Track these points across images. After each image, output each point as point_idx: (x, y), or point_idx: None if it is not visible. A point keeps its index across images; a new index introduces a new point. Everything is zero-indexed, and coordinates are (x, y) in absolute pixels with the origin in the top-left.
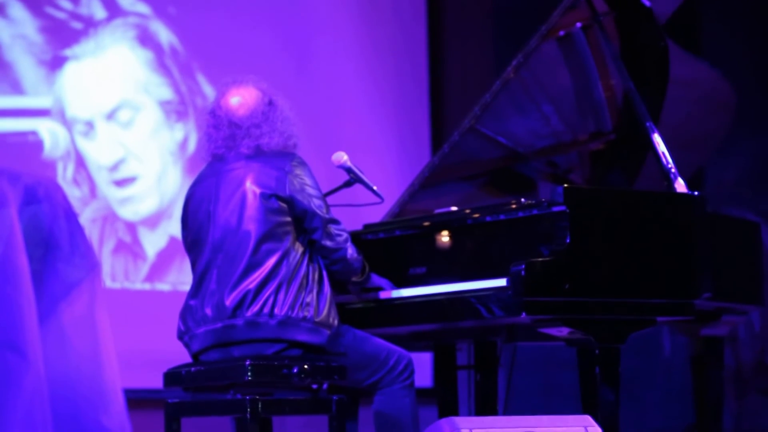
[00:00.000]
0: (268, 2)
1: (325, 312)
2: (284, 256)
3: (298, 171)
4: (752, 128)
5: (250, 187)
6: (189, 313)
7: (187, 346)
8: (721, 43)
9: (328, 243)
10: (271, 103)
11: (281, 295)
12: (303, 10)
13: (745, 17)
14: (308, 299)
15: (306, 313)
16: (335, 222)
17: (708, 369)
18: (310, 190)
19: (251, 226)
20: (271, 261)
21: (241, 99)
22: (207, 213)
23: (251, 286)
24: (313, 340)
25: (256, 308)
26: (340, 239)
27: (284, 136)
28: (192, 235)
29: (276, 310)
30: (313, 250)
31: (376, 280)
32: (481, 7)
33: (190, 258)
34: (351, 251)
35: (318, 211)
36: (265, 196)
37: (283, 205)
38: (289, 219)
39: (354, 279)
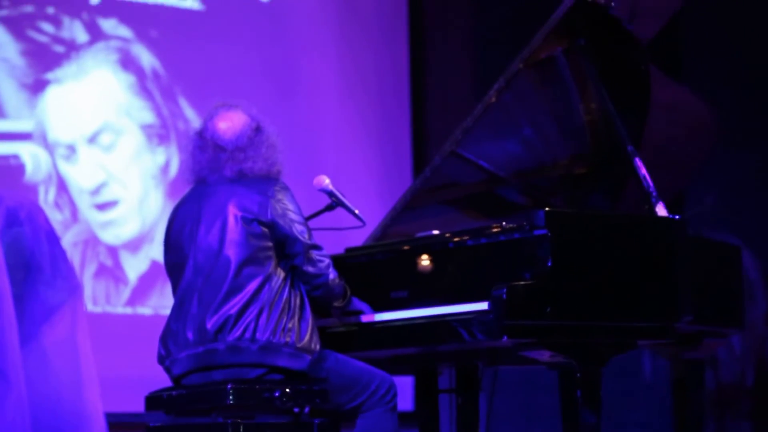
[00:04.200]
0: (250, 26)
1: (306, 337)
2: (266, 280)
3: (281, 196)
4: (732, 152)
5: (232, 211)
6: (170, 337)
7: (168, 370)
8: (701, 67)
9: (310, 269)
10: (258, 128)
11: (263, 320)
12: (285, 34)
13: (725, 41)
14: (290, 324)
15: (288, 339)
16: (317, 248)
17: (689, 392)
18: (293, 216)
19: (232, 250)
20: (253, 285)
21: (229, 123)
22: (189, 236)
23: (232, 311)
24: (294, 366)
25: (237, 333)
26: (321, 265)
27: (268, 162)
28: (174, 257)
29: (258, 335)
30: (295, 275)
31: (357, 304)
32: (463, 32)
33: (171, 281)
34: (333, 277)
35: (300, 237)
36: (246, 221)
37: (265, 229)
38: (270, 244)
39: (336, 304)
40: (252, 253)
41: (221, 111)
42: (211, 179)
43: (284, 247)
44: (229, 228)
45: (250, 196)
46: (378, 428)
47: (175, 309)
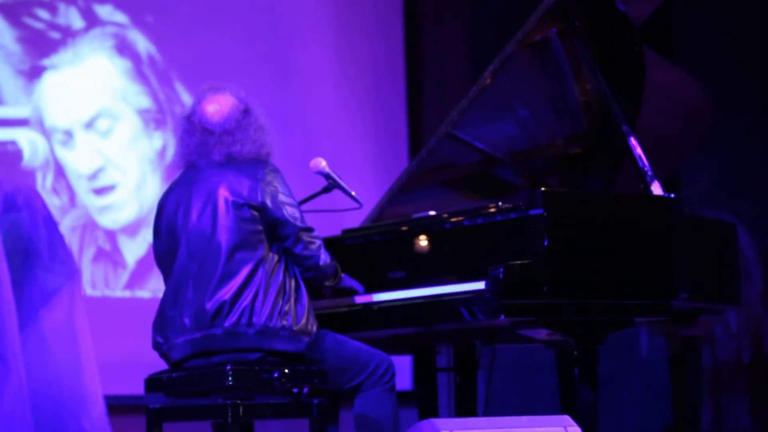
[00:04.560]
0: (246, 10)
1: (303, 320)
2: (259, 264)
3: (271, 178)
4: (727, 131)
5: (223, 196)
6: (167, 324)
7: (165, 355)
8: (696, 48)
9: (301, 251)
10: (246, 111)
11: (258, 304)
12: (280, 17)
13: (719, 22)
14: (286, 307)
15: (284, 322)
16: (308, 230)
17: (686, 369)
18: (283, 198)
19: (224, 235)
20: (246, 270)
21: (216, 106)
22: (181, 222)
23: (227, 296)
24: (291, 348)
25: (234, 318)
26: (313, 247)
27: (257, 144)
28: (165, 244)
29: (254, 319)
30: (288, 257)
31: (348, 281)
32: (458, 14)
33: (162, 268)
34: (324, 258)
35: (290, 219)
36: (237, 205)
37: (256, 213)
38: (261, 227)
39: (327, 283)
40: (243, 238)
41: (209, 94)
42: (200, 163)
43: (276, 230)
44: (220, 213)
45: (240, 179)
46: (377, 408)
47: (170, 295)
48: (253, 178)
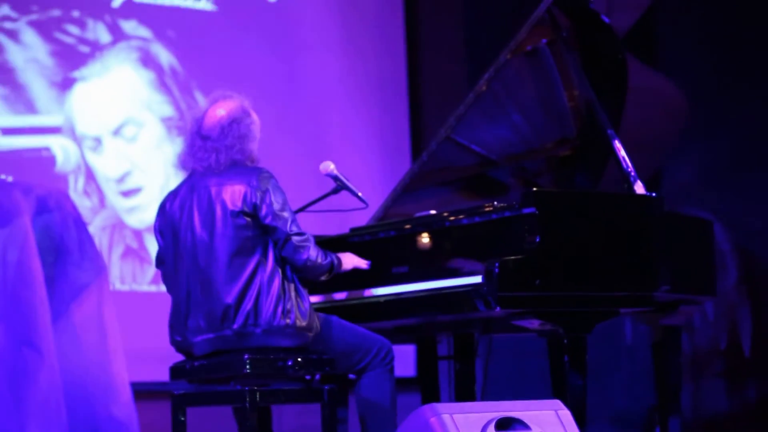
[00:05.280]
0: (258, 24)
1: (307, 318)
2: (257, 267)
3: (264, 185)
4: (704, 132)
5: (219, 204)
6: (183, 325)
7: (185, 351)
8: (676, 53)
9: (291, 254)
10: (236, 120)
11: (261, 305)
12: (290, 31)
13: (698, 30)
14: (288, 306)
15: (288, 320)
16: (299, 234)
17: (667, 355)
18: (275, 205)
19: (222, 242)
20: (246, 274)
21: (219, 110)
22: (185, 228)
23: (231, 300)
24: (296, 343)
25: (241, 320)
26: (302, 249)
27: (234, 150)
28: (171, 246)
29: (260, 320)
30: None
31: (350, 262)
32: (455, 25)
33: (165, 269)
34: (315, 258)
35: (279, 225)
36: (233, 214)
37: (250, 219)
38: (258, 232)
39: (323, 278)
40: (240, 245)
41: (212, 103)
42: (199, 169)
43: (269, 234)
44: (218, 222)
45: (235, 188)
46: (378, 386)
47: (183, 298)
48: (248, 185)
